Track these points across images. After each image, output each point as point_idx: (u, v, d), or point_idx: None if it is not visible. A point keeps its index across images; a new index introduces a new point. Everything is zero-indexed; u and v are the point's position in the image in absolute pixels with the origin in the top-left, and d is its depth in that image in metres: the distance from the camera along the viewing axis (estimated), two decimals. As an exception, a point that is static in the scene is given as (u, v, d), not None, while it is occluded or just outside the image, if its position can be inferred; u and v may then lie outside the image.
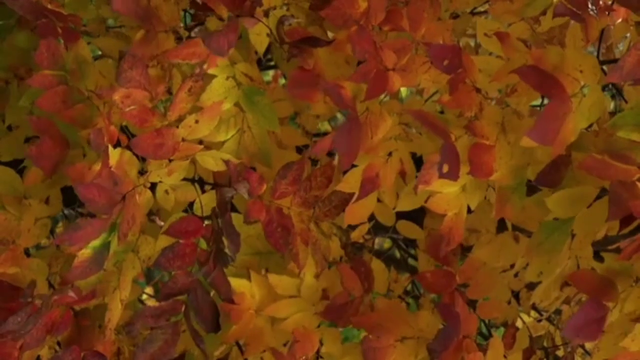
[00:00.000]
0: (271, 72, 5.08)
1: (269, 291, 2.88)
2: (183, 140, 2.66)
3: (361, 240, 3.13)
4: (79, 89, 2.73)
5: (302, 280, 2.88)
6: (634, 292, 2.66)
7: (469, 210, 2.82)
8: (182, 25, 2.84)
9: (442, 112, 2.93)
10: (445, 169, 2.62)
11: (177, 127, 2.66)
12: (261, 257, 2.95)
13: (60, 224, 4.30)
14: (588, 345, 3.26)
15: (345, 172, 2.80)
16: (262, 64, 4.05)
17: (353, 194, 2.76)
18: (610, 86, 3.21)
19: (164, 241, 2.71)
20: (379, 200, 2.95)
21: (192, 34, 2.92)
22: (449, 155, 2.63)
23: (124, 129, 2.87)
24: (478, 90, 2.70)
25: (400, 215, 3.09)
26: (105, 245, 2.64)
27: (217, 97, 2.73)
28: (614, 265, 2.66)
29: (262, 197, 2.70)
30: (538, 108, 3.14)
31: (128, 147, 2.65)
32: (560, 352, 3.44)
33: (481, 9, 3.41)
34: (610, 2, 2.77)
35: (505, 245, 3.05)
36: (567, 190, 2.70)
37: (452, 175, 2.63)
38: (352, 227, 2.98)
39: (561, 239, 2.74)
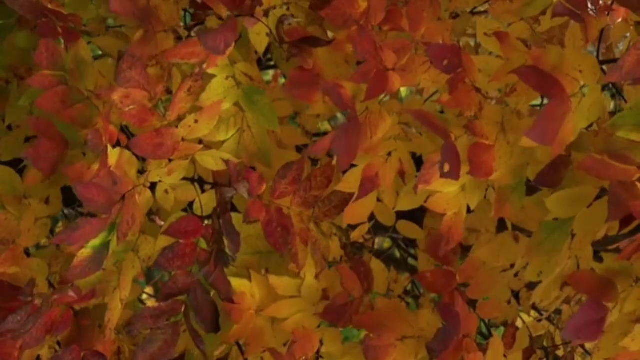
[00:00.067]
0: (271, 72, 5.07)
1: (269, 291, 2.88)
2: (183, 140, 2.66)
3: (361, 240, 3.13)
4: (78, 89, 2.73)
5: (303, 281, 2.88)
6: (633, 292, 2.66)
7: (469, 210, 2.82)
8: (181, 24, 2.84)
9: (442, 112, 2.93)
10: (447, 168, 2.62)
11: (177, 126, 2.66)
12: (261, 256, 2.95)
13: (60, 224, 4.30)
14: (588, 345, 3.26)
15: (345, 172, 2.80)
16: (262, 64, 4.05)
17: (353, 193, 2.76)
18: (610, 86, 3.21)
19: (164, 241, 2.71)
20: (378, 200, 2.95)
21: (192, 34, 2.91)
22: (450, 155, 2.63)
23: (123, 129, 2.87)
24: (478, 90, 2.70)
25: (400, 215, 3.09)
26: (105, 245, 2.65)
27: (216, 97, 2.73)
28: (614, 266, 2.66)
29: (262, 197, 2.70)
30: (538, 108, 3.14)
31: (127, 147, 2.65)
32: (560, 352, 3.44)
33: (481, 8, 3.40)
34: (610, 2, 2.77)
35: (505, 245, 3.05)
36: (566, 190, 2.70)
37: (454, 175, 2.63)
38: (352, 227, 2.98)
39: (561, 239, 2.74)
